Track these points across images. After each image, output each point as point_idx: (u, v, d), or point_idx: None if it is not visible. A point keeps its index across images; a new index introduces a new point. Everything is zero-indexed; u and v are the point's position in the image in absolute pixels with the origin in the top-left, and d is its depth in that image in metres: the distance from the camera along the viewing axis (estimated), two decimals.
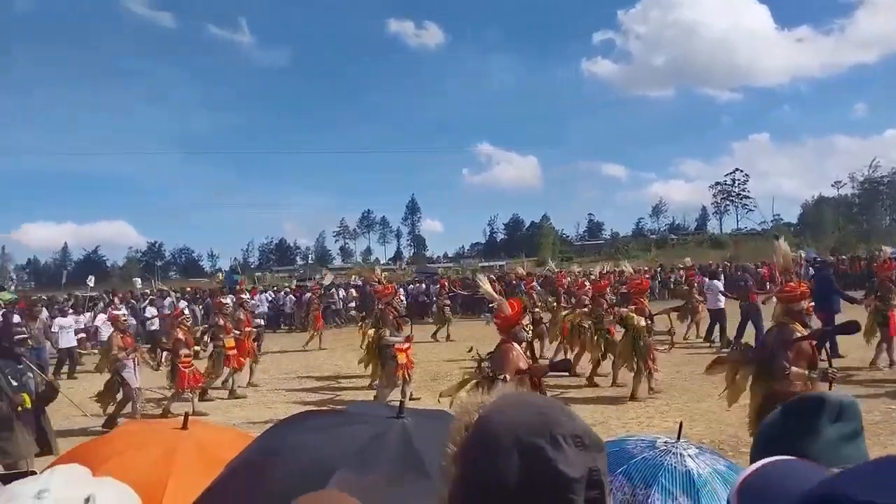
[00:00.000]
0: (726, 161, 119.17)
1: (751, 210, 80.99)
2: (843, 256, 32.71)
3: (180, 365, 9.37)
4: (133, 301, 21.40)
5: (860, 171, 64.00)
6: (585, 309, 11.18)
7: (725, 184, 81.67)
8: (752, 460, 1.28)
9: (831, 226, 59.63)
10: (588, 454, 0.81)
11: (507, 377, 4.88)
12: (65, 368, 14.05)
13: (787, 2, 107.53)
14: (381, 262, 77.51)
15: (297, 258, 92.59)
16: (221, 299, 12.59)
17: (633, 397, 8.80)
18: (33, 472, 1.64)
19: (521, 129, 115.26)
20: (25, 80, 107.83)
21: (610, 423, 7.55)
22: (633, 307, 9.62)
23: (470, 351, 6.02)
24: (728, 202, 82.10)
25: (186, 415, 2.48)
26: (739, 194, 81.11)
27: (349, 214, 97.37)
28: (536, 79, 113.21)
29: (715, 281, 14.79)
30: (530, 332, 12.80)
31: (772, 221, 74.07)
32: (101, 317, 16.68)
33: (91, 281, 21.77)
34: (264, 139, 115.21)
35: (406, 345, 9.16)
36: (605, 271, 18.41)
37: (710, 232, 79.46)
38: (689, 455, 2.19)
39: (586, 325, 10.78)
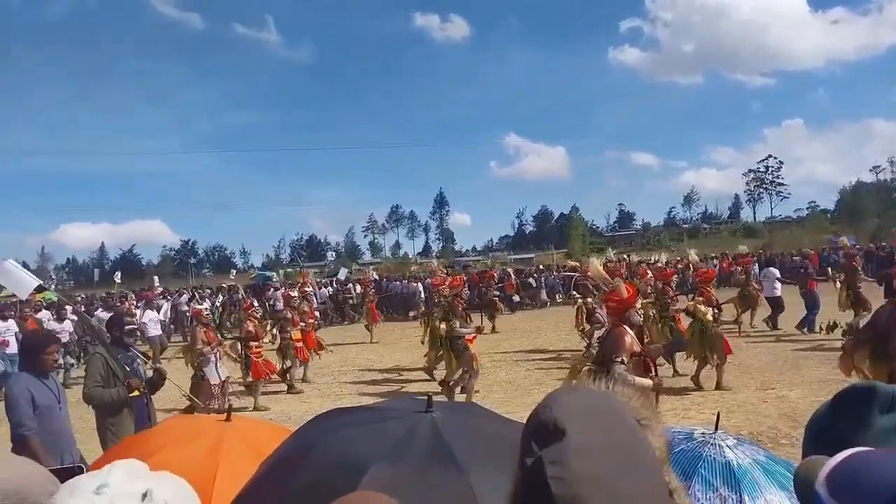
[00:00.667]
0: (759, 148, 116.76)
1: (785, 197, 79.45)
2: (884, 243, 31.84)
3: (252, 356, 9.64)
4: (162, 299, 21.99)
5: None
6: (650, 298, 11.13)
7: (759, 171, 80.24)
8: (805, 452, 1.27)
9: (871, 211, 58.03)
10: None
11: (625, 360, 4.85)
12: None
13: None
14: (410, 257, 77.83)
15: (328, 253, 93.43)
16: (289, 292, 12.68)
17: (718, 386, 8.72)
18: (80, 468, 1.68)
19: (549, 119, 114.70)
20: (61, 83, 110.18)
21: None
22: (699, 297, 9.58)
23: None
24: (762, 189, 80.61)
25: (230, 407, 2.54)
26: (773, 181, 79.61)
27: (378, 209, 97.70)
28: (563, 68, 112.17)
29: (771, 268, 14.65)
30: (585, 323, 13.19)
31: (808, 208, 72.52)
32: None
33: (118, 277, 22.39)
34: (292, 136, 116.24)
35: (474, 335, 9.27)
36: (669, 260, 18.32)
37: (744, 220, 78.06)
38: (727, 446, 2.17)
39: (651, 314, 10.71)
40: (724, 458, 2.10)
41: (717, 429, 2.33)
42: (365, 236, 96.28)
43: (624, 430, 0.84)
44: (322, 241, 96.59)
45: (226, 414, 2.47)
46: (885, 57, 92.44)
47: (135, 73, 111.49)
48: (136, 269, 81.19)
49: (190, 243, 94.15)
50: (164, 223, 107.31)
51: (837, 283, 12.73)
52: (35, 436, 4.07)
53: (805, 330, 12.85)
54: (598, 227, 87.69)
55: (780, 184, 79.49)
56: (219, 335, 10.74)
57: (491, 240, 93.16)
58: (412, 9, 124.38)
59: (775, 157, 79.72)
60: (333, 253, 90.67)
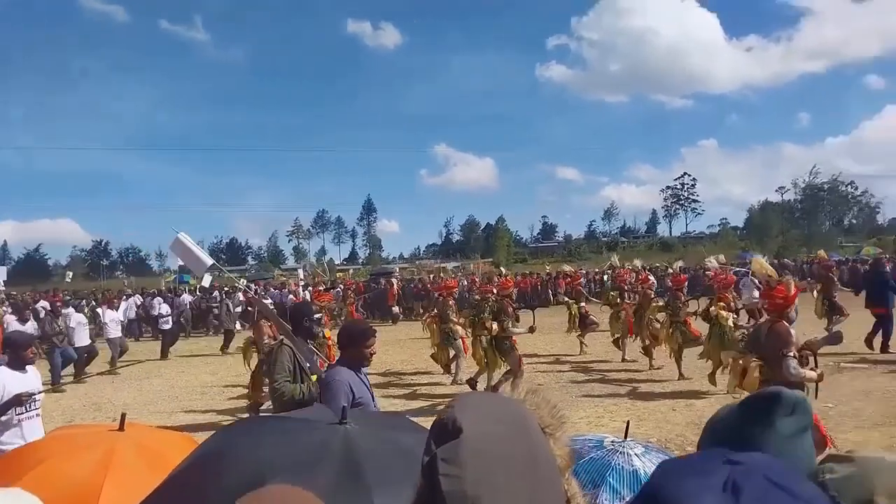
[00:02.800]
0: (677, 166, 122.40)
1: (699, 214, 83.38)
2: (786, 259, 33.92)
3: None
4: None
5: (802, 178, 66.48)
6: (660, 302, 11.44)
7: (675, 188, 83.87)
8: (699, 449, 1.31)
9: (776, 230, 61.70)
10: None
11: (795, 354, 4.90)
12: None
13: (736, 11, 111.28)
14: (336, 263, 76.99)
15: (249, 258, 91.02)
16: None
17: (712, 382, 9.00)
18: None
19: (478, 130, 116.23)
20: None
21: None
22: (720, 302, 9.71)
23: None
24: (678, 206, 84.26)
25: (123, 416, 2.39)
26: (688, 198, 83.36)
27: (304, 214, 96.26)
28: (493, 81, 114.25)
29: (752, 277, 15.16)
30: (577, 327, 13.43)
31: (719, 225, 76.32)
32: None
33: (69, 277, 21.48)
34: (217, 137, 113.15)
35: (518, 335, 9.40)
36: (682, 266, 18.76)
37: (660, 235, 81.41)
38: (635, 454, 2.21)
39: (660, 319, 11.04)
40: (632, 466, 2.14)
41: (626, 437, 2.36)
42: (289, 241, 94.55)
43: (525, 435, 0.85)
44: (244, 244, 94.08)
45: (119, 423, 2.32)
46: (795, 84, 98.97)
47: (51, 66, 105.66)
48: (42, 269, 76.66)
49: (102, 244, 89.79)
50: (75, 222, 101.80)
51: (815, 292, 13.24)
52: None
53: None
54: (522, 238, 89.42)
55: (694, 201, 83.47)
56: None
57: (418, 247, 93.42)
58: (344, 15, 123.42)
59: (691, 176, 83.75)
60: (255, 257, 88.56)
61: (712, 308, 9.65)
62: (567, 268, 21.13)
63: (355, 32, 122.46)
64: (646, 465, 2.16)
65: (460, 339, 10.67)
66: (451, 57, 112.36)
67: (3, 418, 4.35)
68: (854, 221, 71.15)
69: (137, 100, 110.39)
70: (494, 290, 10.11)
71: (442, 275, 12.20)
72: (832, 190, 66.29)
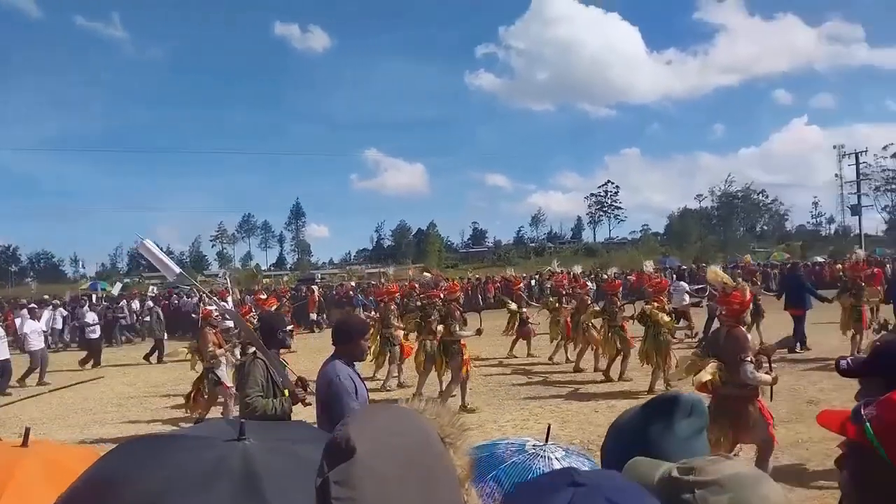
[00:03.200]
0: (601, 174, 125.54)
1: (622, 220, 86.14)
2: (704, 264, 35.45)
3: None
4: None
5: (718, 186, 69.82)
6: (596, 307, 11.62)
7: (599, 195, 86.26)
8: (605, 450, 1.35)
9: (694, 236, 64.49)
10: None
11: (752, 359, 5.12)
12: None
13: (657, 25, 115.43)
14: (263, 268, 75.22)
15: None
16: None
17: (650, 391, 9.19)
18: None
19: (409, 136, 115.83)
20: None
21: (486, 427, 7.68)
22: (654, 304, 9.98)
23: None
24: (601, 213, 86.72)
25: (27, 431, 2.25)
26: (612, 205, 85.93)
27: (228, 218, 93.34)
28: (423, 88, 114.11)
29: (681, 282, 15.74)
30: (515, 332, 13.59)
31: (641, 231, 79.04)
32: None
33: (34, 286, 20.06)
34: (137, 138, 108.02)
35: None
36: (618, 272, 19.11)
37: (585, 241, 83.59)
38: (556, 458, 2.25)
39: (596, 324, 11.23)
40: (552, 469, 2.18)
41: (547, 440, 2.41)
42: (213, 246, 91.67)
43: (423, 449, 0.84)
44: (164, 250, 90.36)
45: (23, 439, 2.18)
46: (711, 97, 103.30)
47: None
48: None
49: (10, 249, 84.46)
50: None
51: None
52: None
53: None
54: (453, 244, 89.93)
55: (617, 207, 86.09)
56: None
57: (349, 253, 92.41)
58: (272, 17, 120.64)
59: (614, 183, 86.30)
60: (177, 263, 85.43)
61: (647, 307, 10.01)
62: (510, 272, 21.52)
63: (283, 34, 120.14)
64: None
65: (399, 345, 10.76)
66: (381, 62, 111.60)
67: None
68: (765, 228, 75.18)
69: (51, 99, 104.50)
70: (441, 295, 10.20)
71: (383, 280, 12.30)
72: (745, 198, 69.95)
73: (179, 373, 13.75)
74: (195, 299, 20.98)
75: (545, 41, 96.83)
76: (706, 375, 5.25)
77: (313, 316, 23.13)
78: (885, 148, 63.19)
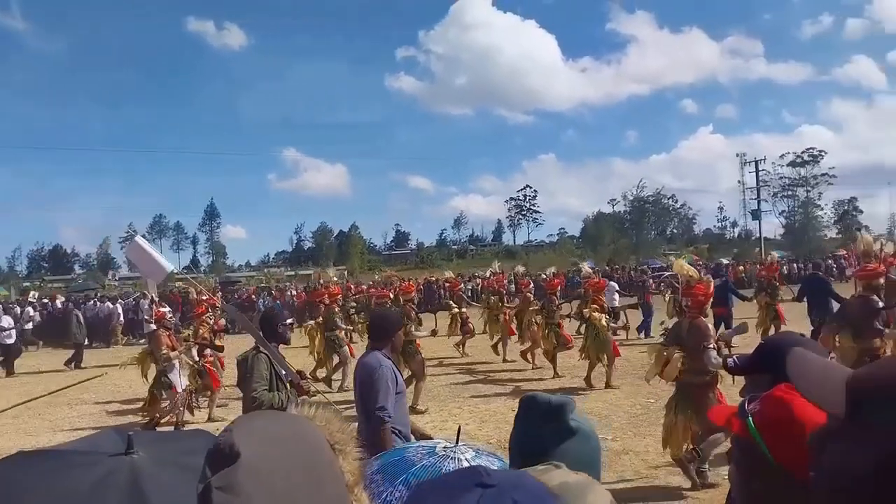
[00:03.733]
0: (519, 178, 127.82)
1: (540, 224, 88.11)
2: (617, 266, 36.85)
3: (207, 365, 9.18)
4: None
5: (630, 191, 72.52)
6: (536, 305, 11.78)
7: (518, 199, 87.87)
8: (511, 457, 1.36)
9: (608, 239, 66.77)
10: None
11: (714, 345, 5.49)
12: None
13: (572, 34, 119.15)
14: (175, 272, 72.29)
15: (76, 266, 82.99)
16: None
17: (608, 385, 9.53)
18: None
19: (330, 136, 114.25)
20: None
21: None
22: (594, 304, 10.24)
23: None
24: (520, 216, 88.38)
25: None
26: (530, 209, 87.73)
27: (139, 219, 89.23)
28: (343, 88, 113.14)
29: (612, 282, 16.20)
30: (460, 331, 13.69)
31: (558, 234, 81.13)
32: None
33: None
34: (39, 135, 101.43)
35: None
36: (557, 271, 19.76)
37: (505, 243, 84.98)
38: (466, 459, 2.26)
39: (537, 321, 11.40)
40: (460, 468, 2.18)
41: (458, 442, 2.41)
42: (122, 248, 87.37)
43: (308, 455, 0.82)
44: (69, 252, 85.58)
45: None
46: (624, 104, 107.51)
47: None
48: None
49: None
50: None
51: (667, 296, 14.77)
52: None
53: (643, 334, 14.69)
54: (375, 246, 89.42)
55: (535, 211, 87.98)
56: None
57: (267, 255, 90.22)
58: (184, 13, 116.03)
59: (532, 188, 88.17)
60: (83, 266, 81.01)
61: (586, 310, 10.33)
62: (448, 274, 21.61)
63: (198, 31, 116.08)
64: None
65: (347, 346, 10.76)
66: (300, 62, 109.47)
67: None
68: (675, 231, 78.70)
69: None
70: (391, 295, 10.23)
71: (322, 280, 12.24)
72: (656, 202, 72.93)
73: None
74: (126, 302, 20.08)
75: (464, 46, 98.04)
76: (676, 366, 5.61)
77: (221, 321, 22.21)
78: (782, 156, 67.53)
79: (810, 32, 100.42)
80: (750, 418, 1.21)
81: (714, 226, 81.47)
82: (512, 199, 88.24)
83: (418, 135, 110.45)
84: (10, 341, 15.78)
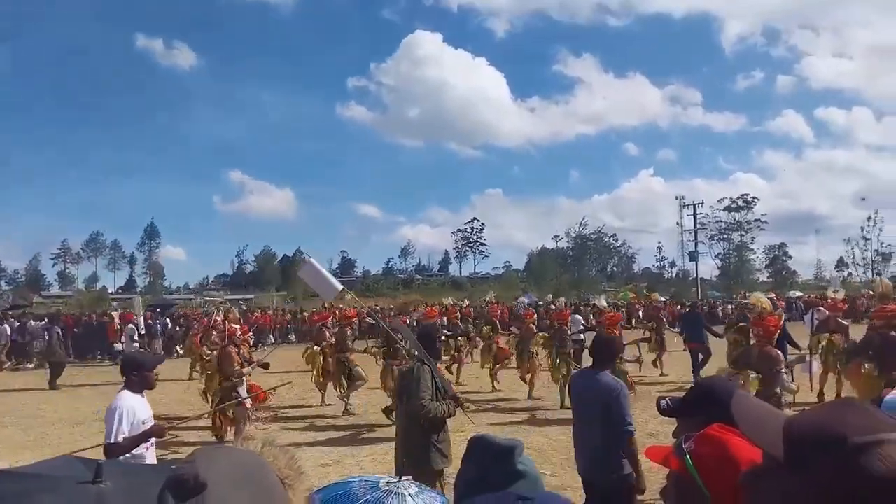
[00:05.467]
0: (467, 211, 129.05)
1: (486, 256, 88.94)
2: (559, 301, 37.42)
3: (253, 384, 9.01)
4: None
5: (573, 228, 74.15)
6: (542, 335, 11.96)
7: (465, 231, 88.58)
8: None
9: (551, 274, 67.89)
10: None
11: (784, 370, 6.10)
12: None
13: (521, 74, 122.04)
14: (110, 291, 69.76)
15: (3, 283, 78.92)
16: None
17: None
18: None
19: (277, 161, 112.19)
20: None
21: (345, 462, 7.53)
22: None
23: None
24: (467, 248, 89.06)
25: None
26: (477, 241, 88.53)
27: (74, 236, 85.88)
28: (293, 114, 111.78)
29: (577, 315, 16.39)
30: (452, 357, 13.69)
31: (503, 267, 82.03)
32: None
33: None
34: None
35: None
36: (567, 302, 19.66)
37: (452, 274, 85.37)
38: (409, 494, 2.25)
39: (537, 351, 11.68)
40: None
41: (401, 476, 2.40)
42: (54, 265, 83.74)
43: (268, 489, 0.84)
44: None
45: None
46: (570, 144, 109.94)
47: None
48: None
49: None
50: None
51: (647, 331, 14.85)
52: None
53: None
54: None
55: (482, 244, 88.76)
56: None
57: (206, 277, 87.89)
58: (132, 29, 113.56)
59: (479, 221, 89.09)
60: (10, 282, 77.10)
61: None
62: (449, 300, 21.28)
63: (146, 48, 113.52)
64: None
65: (360, 368, 10.86)
66: (250, 85, 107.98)
67: (136, 451, 4.12)
68: (615, 269, 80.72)
69: None
70: (407, 322, 10.25)
71: (325, 304, 12.41)
72: (598, 240, 74.71)
73: (78, 399, 12.34)
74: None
75: (415, 80, 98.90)
76: (753, 387, 6.02)
77: (119, 346, 20.46)
78: (719, 201, 70.44)
79: (743, 86, 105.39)
80: (688, 456, 1.26)
81: (653, 265, 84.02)
82: (459, 230, 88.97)
83: (369, 164, 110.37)
84: None
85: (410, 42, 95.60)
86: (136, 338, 18.25)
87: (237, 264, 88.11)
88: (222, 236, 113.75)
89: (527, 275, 72.64)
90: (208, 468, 0.78)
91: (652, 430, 8.97)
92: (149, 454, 4.26)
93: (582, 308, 28.94)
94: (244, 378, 8.60)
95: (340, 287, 6.63)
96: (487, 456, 1.27)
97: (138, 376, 4.37)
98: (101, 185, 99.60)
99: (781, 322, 7.03)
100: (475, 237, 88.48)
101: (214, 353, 10.72)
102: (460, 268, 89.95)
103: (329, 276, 7.74)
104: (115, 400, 4.24)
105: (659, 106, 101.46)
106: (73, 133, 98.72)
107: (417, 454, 4.61)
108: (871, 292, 14.56)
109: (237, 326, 9.96)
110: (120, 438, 4.09)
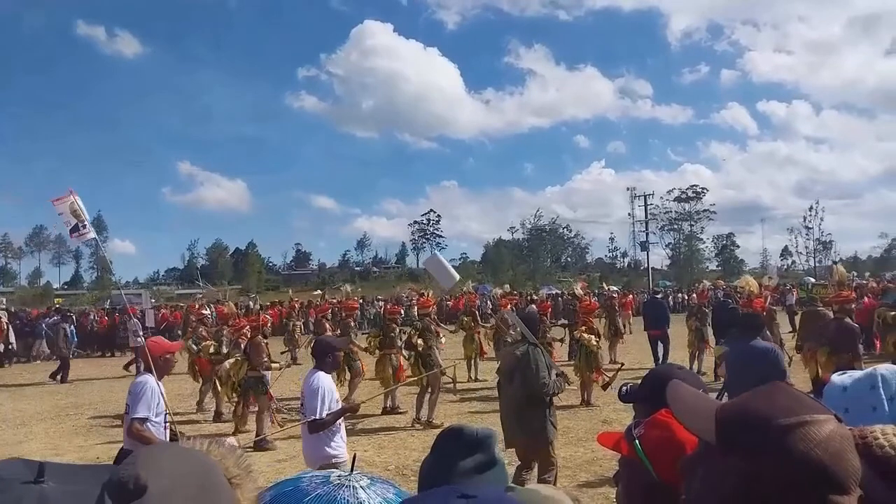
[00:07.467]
0: (423, 202, 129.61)
1: (443, 248, 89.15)
2: (516, 291, 37.74)
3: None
4: None
5: (528, 220, 74.91)
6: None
7: (422, 223, 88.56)
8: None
9: (507, 265, 68.45)
10: None
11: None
12: None
13: (474, 65, 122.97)
14: (55, 287, 67.49)
15: None
16: None
17: (588, 404, 9.98)
18: None
19: (229, 152, 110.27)
20: None
21: (300, 458, 7.45)
22: (583, 326, 10.51)
23: None
24: (424, 239, 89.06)
25: None
26: (433, 233, 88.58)
27: (15, 230, 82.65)
28: (242, 104, 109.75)
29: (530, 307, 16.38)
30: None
31: (460, 259, 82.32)
32: None
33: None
34: None
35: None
36: (548, 294, 19.54)
37: (409, 266, 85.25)
38: (361, 487, 2.24)
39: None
40: (357, 499, 2.15)
41: (352, 470, 2.38)
42: None
43: (211, 489, 0.82)
44: None
45: None
46: (523, 136, 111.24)
47: None
48: None
49: None
50: None
51: (602, 318, 14.69)
52: None
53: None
54: (275, 265, 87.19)
55: (439, 235, 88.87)
56: None
57: (157, 271, 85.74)
58: (73, 16, 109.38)
59: (435, 212, 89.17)
60: None
61: (576, 332, 10.66)
62: (429, 293, 21.08)
63: (87, 35, 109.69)
64: (370, 498, 2.19)
65: (359, 361, 10.71)
66: (197, 74, 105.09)
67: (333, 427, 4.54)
68: (569, 259, 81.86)
69: None
70: (401, 311, 10.19)
71: (326, 295, 12.48)
72: (552, 231, 75.67)
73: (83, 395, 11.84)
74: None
75: (366, 70, 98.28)
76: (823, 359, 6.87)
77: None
78: (669, 192, 72.16)
79: (690, 79, 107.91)
80: (637, 441, 1.28)
81: (605, 255, 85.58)
82: (416, 222, 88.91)
83: (322, 155, 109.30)
84: None
85: (361, 32, 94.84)
86: (141, 332, 17.95)
87: (188, 258, 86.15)
88: (172, 229, 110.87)
89: (484, 266, 73.08)
90: (150, 469, 0.77)
91: (606, 416, 9.17)
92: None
93: (560, 298, 29.36)
94: (271, 370, 8.98)
95: (458, 277, 7.26)
96: (462, 445, 1.27)
97: (332, 358, 4.87)
98: (44, 178, 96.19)
99: (767, 304, 7.38)
100: (432, 228, 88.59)
101: (203, 345, 10.88)
102: (417, 259, 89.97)
103: (450, 267, 9.15)
104: (313, 380, 4.65)
105: (609, 98, 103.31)
106: (11, 123, 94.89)
107: (536, 428, 5.08)
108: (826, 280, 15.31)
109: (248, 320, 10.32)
110: (324, 415, 4.50)
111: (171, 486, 0.76)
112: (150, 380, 4.44)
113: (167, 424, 4.54)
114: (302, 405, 4.80)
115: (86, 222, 5.50)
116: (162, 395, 4.49)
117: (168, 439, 4.29)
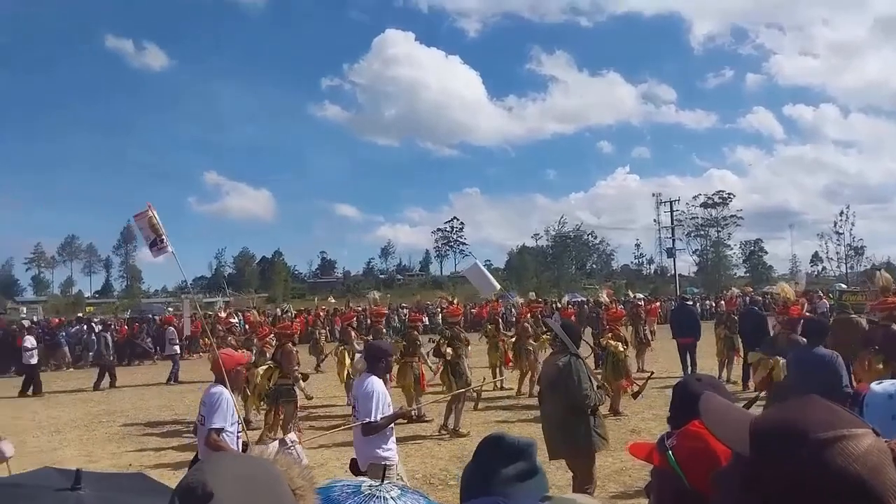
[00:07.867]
0: (446, 210, 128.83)
1: (466, 255, 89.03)
2: (540, 299, 37.54)
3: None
4: None
5: (552, 227, 74.47)
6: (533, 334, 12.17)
7: (445, 230, 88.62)
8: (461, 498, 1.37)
9: (531, 272, 68.09)
10: None
11: None
12: None
13: (495, 72, 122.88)
14: (86, 296, 68.78)
15: None
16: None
17: (616, 413, 9.70)
18: None
19: (254, 161, 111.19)
20: None
21: (329, 465, 7.50)
22: (610, 334, 10.51)
23: None
24: (447, 247, 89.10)
25: None
26: (457, 240, 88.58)
27: (48, 239, 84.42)
28: (267, 114, 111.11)
29: (556, 314, 16.34)
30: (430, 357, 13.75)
31: (484, 266, 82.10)
32: None
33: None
34: None
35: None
36: (571, 301, 20.06)
37: (433, 274, 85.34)
38: (391, 497, 2.25)
39: (532, 348, 11.94)
40: None
41: (383, 479, 2.40)
42: (27, 269, 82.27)
43: (275, 498, 0.84)
44: None
45: None
46: (547, 143, 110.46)
47: None
48: None
49: None
50: None
51: (627, 326, 14.39)
52: None
53: None
54: (300, 273, 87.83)
55: (462, 243, 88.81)
56: None
57: (185, 280, 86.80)
58: (103, 30, 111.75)
59: (458, 220, 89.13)
60: None
61: (602, 339, 10.57)
62: (456, 300, 21.23)
63: (116, 48, 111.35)
64: None
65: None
66: (222, 86, 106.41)
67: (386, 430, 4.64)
68: (594, 267, 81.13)
69: None
70: (424, 319, 10.29)
71: (374, 305, 12.75)
72: (577, 238, 75.09)
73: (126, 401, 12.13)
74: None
75: (388, 79, 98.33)
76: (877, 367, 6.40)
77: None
78: (694, 198, 71.25)
79: (714, 84, 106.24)
80: (670, 451, 1.28)
81: (631, 262, 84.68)
82: (439, 229, 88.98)
83: (345, 163, 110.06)
84: (34, 361, 16.18)
85: (382, 41, 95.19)
86: (177, 341, 18.65)
87: (215, 266, 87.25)
88: (199, 238, 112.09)
89: (507, 273, 72.87)
90: (216, 476, 0.80)
91: (634, 426, 9.07)
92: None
93: (586, 306, 29.11)
94: (300, 379, 9.11)
95: (498, 286, 7.38)
96: (504, 454, 1.28)
97: (385, 362, 5.02)
98: (76, 189, 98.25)
99: (804, 311, 7.10)
100: (455, 236, 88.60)
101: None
102: (441, 267, 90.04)
103: (490, 276, 9.86)
104: (367, 384, 4.76)
105: (632, 104, 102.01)
106: (45, 136, 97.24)
107: (581, 440, 5.04)
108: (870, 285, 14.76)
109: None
110: (378, 418, 4.59)
111: (236, 494, 0.79)
112: (224, 390, 4.55)
113: (239, 434, 4.62)
114: (355, 408, 4.90)
115: (163, 236, 5.66)
116: (234, 405, 4.59)
117: (241, 449, 4.39)
